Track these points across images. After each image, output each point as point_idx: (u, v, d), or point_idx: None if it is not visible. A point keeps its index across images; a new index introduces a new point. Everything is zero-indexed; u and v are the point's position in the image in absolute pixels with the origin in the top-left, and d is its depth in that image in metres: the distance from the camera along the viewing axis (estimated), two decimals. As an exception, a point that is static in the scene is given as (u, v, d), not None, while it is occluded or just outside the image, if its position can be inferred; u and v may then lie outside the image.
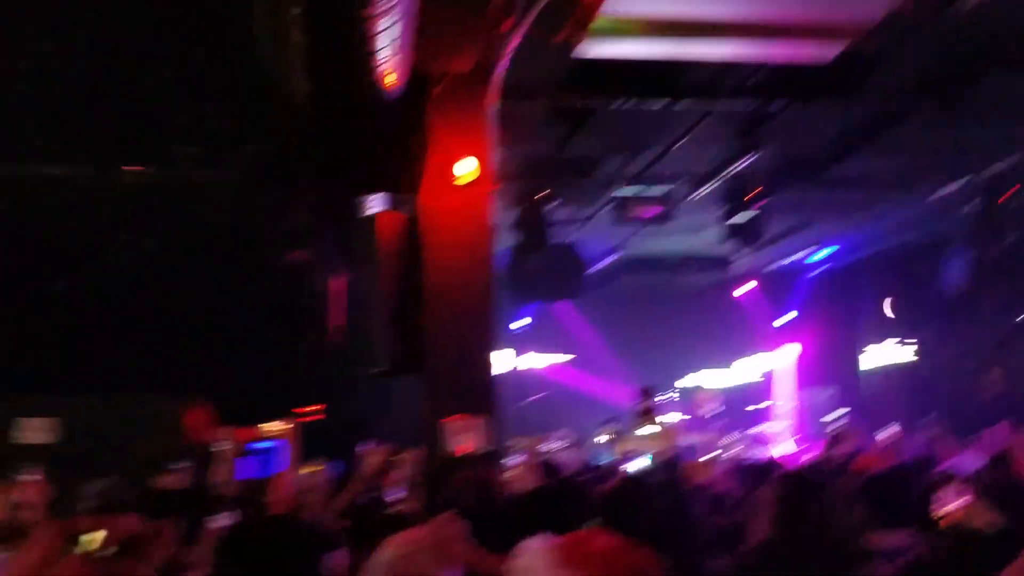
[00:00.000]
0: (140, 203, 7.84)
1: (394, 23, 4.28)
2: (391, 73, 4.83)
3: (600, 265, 12.04)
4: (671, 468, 4.46)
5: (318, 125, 5.46)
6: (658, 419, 4.70)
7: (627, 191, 8.43)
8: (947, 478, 4.05)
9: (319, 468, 6.21)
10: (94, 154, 7.44)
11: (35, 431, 8.67)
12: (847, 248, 12.09)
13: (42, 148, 7.35)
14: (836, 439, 7.61)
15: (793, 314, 13.92)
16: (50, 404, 8.57)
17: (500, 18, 5.37)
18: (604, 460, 9.76)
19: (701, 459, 6.92)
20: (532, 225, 8.19)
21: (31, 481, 4.77)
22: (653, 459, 5.48)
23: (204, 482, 5.93)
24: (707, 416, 10.44)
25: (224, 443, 5.96)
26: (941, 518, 3.74)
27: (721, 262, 11.85)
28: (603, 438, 10.78)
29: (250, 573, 3.20)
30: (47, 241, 8.93)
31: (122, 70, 6.29)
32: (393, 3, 4.01)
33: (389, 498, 5.62)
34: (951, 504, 3.61)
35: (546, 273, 8.84)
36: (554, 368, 13.85)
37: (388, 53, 4.53)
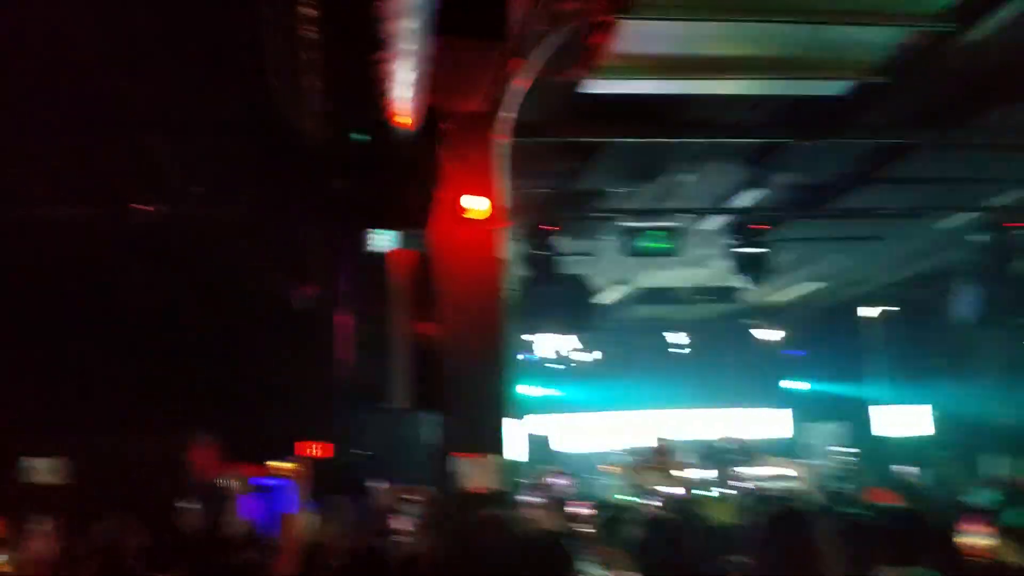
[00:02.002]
0: (150, 242, 7.86)
1: (408, 66, 4.32)
2: (404, 113, 4.86)
3: (609, 297, 12.06)
4: (686, 506, 4.42)
5: (331, 163, 5.49)
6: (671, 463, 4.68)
7: (635, 223, 8.44)
8: (967, 511, 3.99)
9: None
10: (103, 194, 7.48)
11: (43, 471, 8.63)
12: (853, 279, 12.08)
13: (47, 189, 7.39)
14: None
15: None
16: (57, 444, 8.53)
17: (510, 59, 5.43)
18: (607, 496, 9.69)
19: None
20: (541, 258, 8.20)
21: (40, 532, 4.72)
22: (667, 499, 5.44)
23: (215, 522, 5.88)
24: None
25: (232, 481, 5.91)
26: (966, 552, 3.69)
27: (729, 293, 11.83)
28: (607, 475, 10.70)
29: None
30: (55, 281, 8.95)
31: (136, 107, 6.34)
32: (406, 47, 4.05)
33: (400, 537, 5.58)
34: (976, 538, 3.54)
35: (556, 305, 8.84)
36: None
37: (401, 94, 4.56)
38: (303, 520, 5.41)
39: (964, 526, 3.76)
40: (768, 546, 3.06)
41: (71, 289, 8.99)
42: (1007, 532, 3.78)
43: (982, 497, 5.72)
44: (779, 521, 3.21)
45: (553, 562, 3.18)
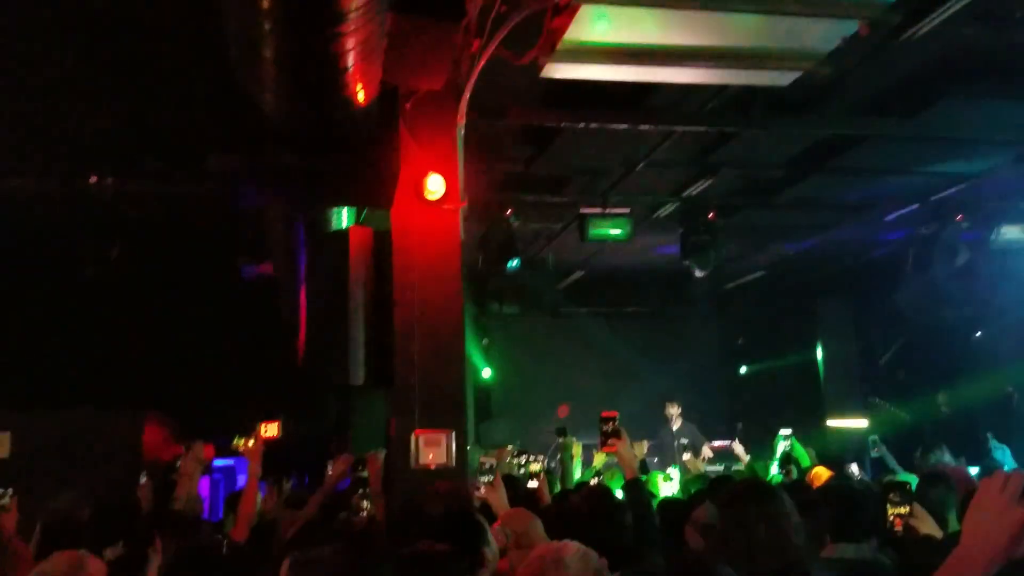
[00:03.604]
0: (105, 214, 7.78)
1: (365, 40, 4.36)
2: (362, 89, 4.90)
3: (568, 280, 12.21)
4: (636, 484, 4.52)
5: (289, 138, 5.51)
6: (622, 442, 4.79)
7: (592, 209, 8.58)
8: (891, 488, 4.13)
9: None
10: (59, 165, 7.39)
11: (-10, 445, 8.49)
12: (802, 268, 12.36)
13: (7, 159, 7.29)
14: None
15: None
16: (3, 417, 8.41)
17: (470, 38, 5.50)
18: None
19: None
20: (501, 241, 8.30)
21: (4, 511, 4.69)
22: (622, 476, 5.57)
23: (164, 501, 5.87)
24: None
25: (187, 459, 5.89)
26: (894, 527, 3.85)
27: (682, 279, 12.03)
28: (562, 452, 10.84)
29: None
30: (5, 252, 8.82)
31: (93, 78, 6.28)
32: (364, 21, 4.09)
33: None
34: (897, 511, 3.69)
35: (517, 291, 8.96)
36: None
37: (359, 69, 4.61)
38: (254, 497, 5.43)
39: (889, 502, 3.93)
40: (733, 518, 3.02)
41: (22, 261, 8.87)
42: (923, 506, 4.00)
43: (906, 478, 5.99)
44: (744, 492, 3.20)
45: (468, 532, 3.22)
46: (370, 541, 2.47)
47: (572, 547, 2.55)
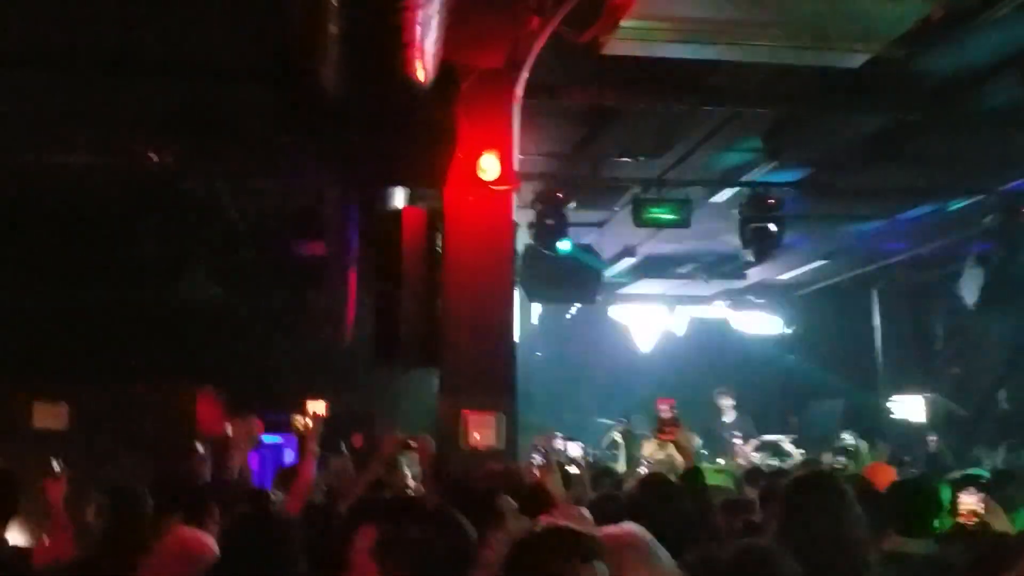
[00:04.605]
0: (162, 192, 7.86)
1: (428, 15, 4.30)
2: (422, 66, 4.85)
3: (617, 268, 12.07)
4: (695, 472, 4.45)
5: (347, 115, 5.48)
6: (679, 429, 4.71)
7: (647, 194, 8.43)
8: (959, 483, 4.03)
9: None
10: (118, 140, 7.47)
11: (47, 417, 8.67)
12: (858, 260, 12.07)
13: (53, 136, 7.38)
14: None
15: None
16: (64, 391, 8.57)
17: (530, 15, 5.41)
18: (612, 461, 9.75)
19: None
20: (551, 225, 8.20)
21: (52, 479, 4.77)
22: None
23: (219, 472, 5.93)
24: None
25: (239, 431, 5.94)
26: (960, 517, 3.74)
27: (739, 268, 11.82)
28: (612, 439, 10.77)
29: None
30: (65, 229, 8.97)
31: (146, 52, 6.30)
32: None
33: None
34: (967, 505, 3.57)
35: (561, 277, 8.86)
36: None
37: (421, 45, 4.55)
38: (311, 473, 5.45)
39: (958, 495, 3.81)
40: (796, 509, 2.98)
41: (81, 237, 9.02)
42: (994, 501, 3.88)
43: (974, 471, 5.82)
44: (807, 483, 3.16)
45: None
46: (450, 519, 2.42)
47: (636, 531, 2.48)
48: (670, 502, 3.77)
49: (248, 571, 2.92)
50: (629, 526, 2.49)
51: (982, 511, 3.47)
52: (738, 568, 2.09)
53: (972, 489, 3.74)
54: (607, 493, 4.59)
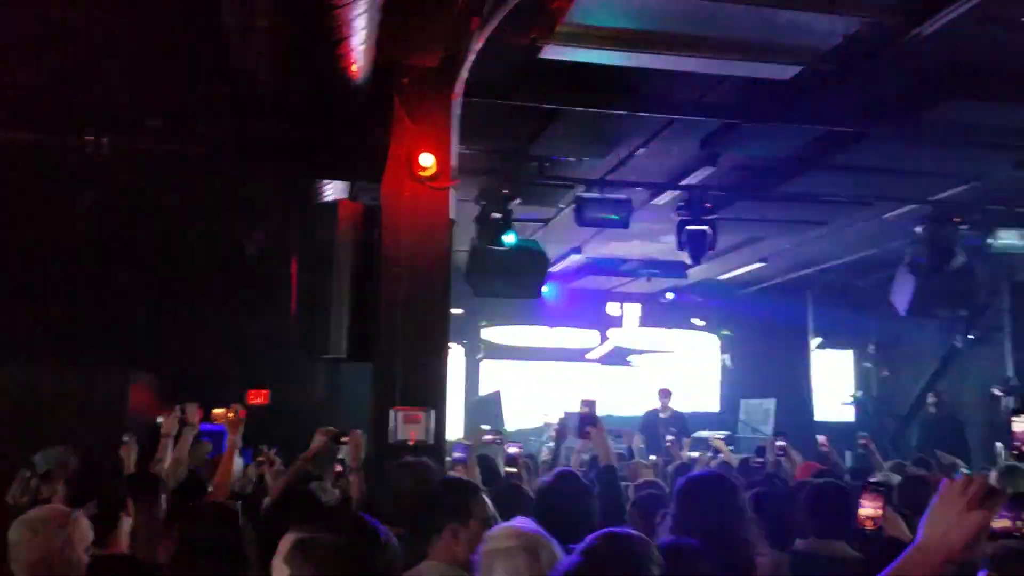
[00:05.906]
0: (100, 173, 7.74)
1: (362, 12, 4.33)
2: (357, 62, 4.87)
3: (560, 265, 12.19)
4: (610, 469, 4.56)
5: (283, 109, 5.48)
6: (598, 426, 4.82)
7: (589, 194, 8.54)
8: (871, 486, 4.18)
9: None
10: (52, 122, 7.34)
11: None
12: (795, 263, 12.36)
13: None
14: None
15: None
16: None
17: (467, 15, 5.45)
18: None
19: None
20: (496, 219, 8.26)
21: None
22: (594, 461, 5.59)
23: (148, 461, 5.90)
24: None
25: (168, 420, 5.91)
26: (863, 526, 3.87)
27: (678, 268, 12.02)
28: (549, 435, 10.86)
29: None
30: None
31: (82, 46, 6.23)
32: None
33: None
34: (869, 511, 3.71)
35: (507, 271, 8.91)
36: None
37: (355, 42, 4.57)
38: (230, 467, 5.43)
39: (864, 500, 3.94)
40: (688, 506, 3.16)
41: (15, 217, 8.85)
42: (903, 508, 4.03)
43: (884, 476, 6.01)
44: (706, 483, 3.32)
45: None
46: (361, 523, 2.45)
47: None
48: (577, 496, 3.91)
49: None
50: (520, 522, 2.59)
51: (879, 516, 3.61)
52: (605, 556, 2.20)
53: (875, 495, 3.87)
54: (513, 484, 4.70)
